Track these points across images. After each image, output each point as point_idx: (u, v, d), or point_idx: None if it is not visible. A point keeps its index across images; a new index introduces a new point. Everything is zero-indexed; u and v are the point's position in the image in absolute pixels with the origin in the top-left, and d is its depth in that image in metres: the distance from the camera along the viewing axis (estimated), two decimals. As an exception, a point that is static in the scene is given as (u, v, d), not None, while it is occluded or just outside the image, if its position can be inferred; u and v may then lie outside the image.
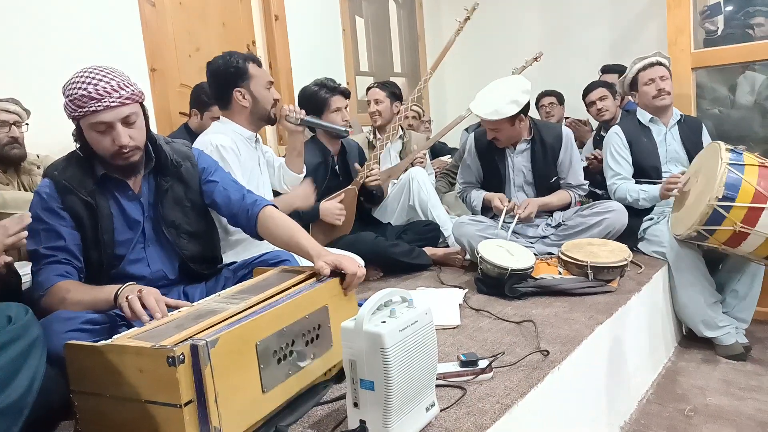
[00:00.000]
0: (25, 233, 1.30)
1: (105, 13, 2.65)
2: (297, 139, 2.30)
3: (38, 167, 2.22)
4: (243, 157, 2.08)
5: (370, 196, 2.77)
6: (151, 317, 1.25)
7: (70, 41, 2.50)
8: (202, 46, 3.18)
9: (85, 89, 1.39)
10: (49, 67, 2.41)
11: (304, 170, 2.37)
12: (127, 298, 1.28)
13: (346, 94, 2.64)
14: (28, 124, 2.16)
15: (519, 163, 2.64)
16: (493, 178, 2.68)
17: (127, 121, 1.44)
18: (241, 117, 2.14)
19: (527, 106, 2.52)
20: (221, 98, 2.15)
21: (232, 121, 2.14)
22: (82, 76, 1.41)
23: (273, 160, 2.36)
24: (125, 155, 1.46)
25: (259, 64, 2.15)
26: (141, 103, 1.49)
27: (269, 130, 3.55)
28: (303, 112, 2.26)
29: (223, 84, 2.11)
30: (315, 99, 2.58)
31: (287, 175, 2.31)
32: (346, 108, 2.64)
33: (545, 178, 2.63)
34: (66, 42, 2.48)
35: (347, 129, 2.38)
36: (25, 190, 2.15)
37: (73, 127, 1.49)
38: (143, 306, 1.27)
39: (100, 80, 1.40)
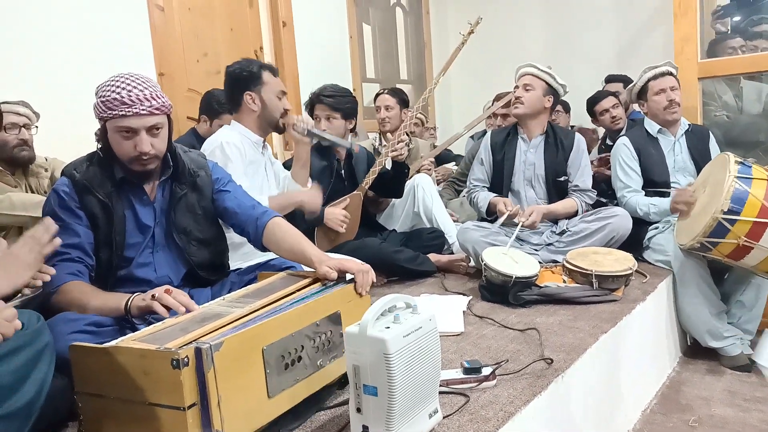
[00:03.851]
0: (59, 241, 1.32)
1: (114, 17, 2.67)
2: (303, 150, 2.31)
3: (46, 170, 2.24)
4: (248, 158, 2.13)
5: (398, 172, 2.69)
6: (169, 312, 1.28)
7: (80, 45, 2.52)
8: (209, 51, 3.21)
9: (118, 93, 1.44)
10: (58, 70, 2.43)
11: (309, 183, 2.38)
12: (153, 296, 1.31)
13: (330, 105, 2.59)
14: (37, 127, 2.18)
15: (531, 157, 2.68)
16: (504, 170, 2.70)
17: (152, 131, 1.49)
18: (250, 121, 2.19)
19: (557, 101, 2.75)
20: (232, 100, 2.22)
21: (241, 124, 2.20)
22: (117, 81, 1.46)
23: (279, 171, 2.37)
24: (143, 162, 1.50)
25: (275, 74, 2.20)
26: (168, 115, 1.53)
27: (275, 136, 3.56)
28: (312, 123, 2.26)
29: (235, 86, 2.19)
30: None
31: (291, 186, 2.33)
32: (328, 119, 2.57)
33: (555, 175, 2.66)
34: (75, 46, 2.51)
35: (353, 145, 2.36)
36: (33, 192, 2.17)
37: (88, 129, 1.53)
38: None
39: (134, 87, 1.45)
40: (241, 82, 2.17)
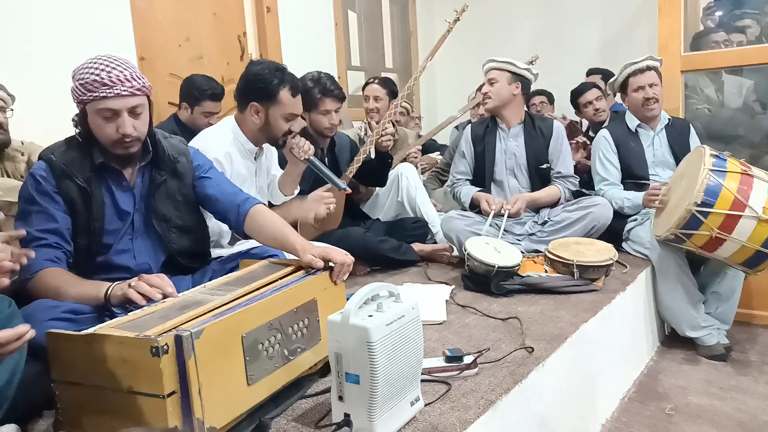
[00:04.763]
0: None
1: (95, 0, 2.61)
2: (295, 169, 2.24)
3: (22, 154, 2.19)
4: (236, 166, 2.05)
5: (381, 162, 2.66)
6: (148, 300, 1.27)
7: (59, 28, 2.46)
8: (191, 36, 3.15)
9: (98, 75, 1.41)
10: (36, 53, 2.38)
11: (296, 192, 2.32)
12: (130, 284, 1.29)
13: (340, 97, 2.53)
14: (12, 110, 2.13)
15: (512, 146, 2.70)
16: (485, 161, 2.72)
17: (133, 112, 1.46)
18: (249, 129, 2.09)
19: (527, 86, 2.71)
20: (241, 100, 2.09)
21: (239, 127, 2.09)
22: (95, 62, 1.43)
23: (271, 167, 2.33)
24: (126, 144, 1.47)
25: (295, 93, 2.06)
26: (148, 97, 1.50)
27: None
28: (312, 151, 2.14)
29: (246, 90, 2.07)
30: (306, 96, 2.41)
31: (275, 192, 2.30)
32: (336, 111, 2.53)
33: (537, 163, 2.68)
34: (55, 29, 2.45)
35: (345, 186, 2.25)
36: (9, 176, 2.12)
37: (66, 113, 1.49)
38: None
39: (114, 68, 1.42)
40: (254, 89, 2.03)
